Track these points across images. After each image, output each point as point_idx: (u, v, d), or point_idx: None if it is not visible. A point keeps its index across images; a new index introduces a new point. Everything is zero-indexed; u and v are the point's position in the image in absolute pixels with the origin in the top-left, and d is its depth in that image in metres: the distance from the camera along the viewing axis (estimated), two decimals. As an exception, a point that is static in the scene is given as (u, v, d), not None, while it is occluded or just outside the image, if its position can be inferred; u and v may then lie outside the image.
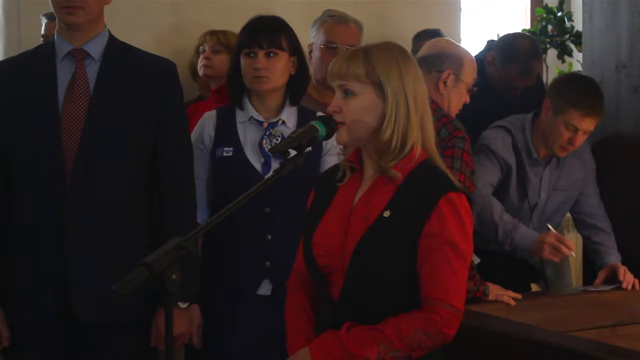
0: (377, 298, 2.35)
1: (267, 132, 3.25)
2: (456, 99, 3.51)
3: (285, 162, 2.31)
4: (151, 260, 2.02)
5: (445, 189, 2.34)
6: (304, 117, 3.29)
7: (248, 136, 3.27)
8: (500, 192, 3.79)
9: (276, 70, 3.22)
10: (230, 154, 3.24)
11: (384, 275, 2.34)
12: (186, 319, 3.04)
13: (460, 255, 2.32)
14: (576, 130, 3.65)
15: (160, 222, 3.04)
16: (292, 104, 3.31)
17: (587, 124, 3.66)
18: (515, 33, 4.69)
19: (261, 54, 3.21)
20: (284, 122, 3.27)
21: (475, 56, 4.47)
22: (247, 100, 3.29)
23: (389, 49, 2.42)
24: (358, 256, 2.34)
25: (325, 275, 2.41)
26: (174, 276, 2.03)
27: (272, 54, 3.22)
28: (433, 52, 3.52)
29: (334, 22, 4.06)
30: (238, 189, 3.09)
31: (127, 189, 2.99)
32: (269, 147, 3.22)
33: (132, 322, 3.00)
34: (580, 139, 3.67)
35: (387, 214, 2.35)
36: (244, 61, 3.24)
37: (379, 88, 2.37)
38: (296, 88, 3.31)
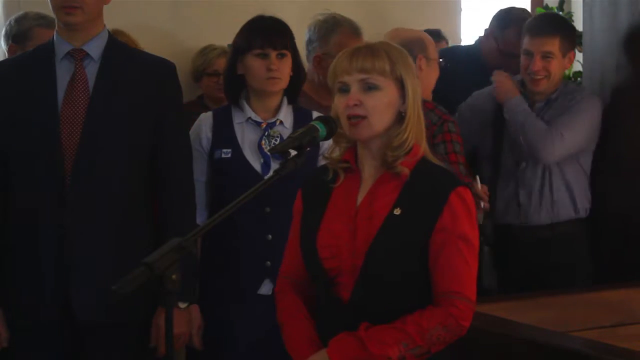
0: (391, 296, 2.35)
1: (266, 133, 3.25)
2: (433, 78, 3.68)
3: (285, 162, 2.31)
4: (151, 260, 2.02)
5: (454, 184, 2.37)
6: (300, 116, 3.30)
7: (246, 137, 3.26)
8: (476, 137, 3.93)
9: (286, 71, 3.24)
10: (229, 155, 3.24)
11: (398, 272, 2.34)
12: (186, 319, 3.04)
13: (471, 248, 2.35)
14: (530, 53, 3.78)
15: (160, 222, 3.05)
16: (290, 103, 3.32)
17: (537, 45, 3.76)
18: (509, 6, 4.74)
19: (274, 54, 3.21)
20: (281, 122, 3.28)
21: (467, 51, 4.52)
22: (244, 101, 3.29)
23: (399, 48, 2.46)
24: (372, 255, 2.34)
25: (332, 277, 2.41)
26: (174, 276, 2.03)
27: (282, 55, 3.23)
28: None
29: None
30: (237, 190, 3.08)
31: (127, 189, 2.99)
32: (268, 147, 3.22)
33: (132, 322, 3.00)
34: (539, 62, 3.74)
35: (397, 211, 2.36)
36: (254, 62, 3.22)
37: (400, 85, 2.39)
38: (294, 87, 3.32)
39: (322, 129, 2.40)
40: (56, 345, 2.99)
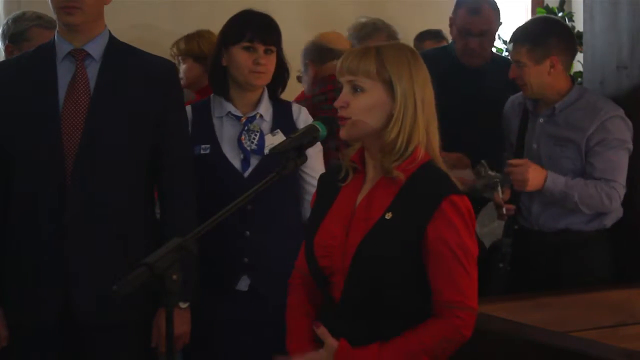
0: (378, 299, 2.35)
1: (245, 127, 3.25)
2: None
3: (285, 162, 2.32)
4: (152, 260, 2.02)
5: (447, 191, 2.35)
6: (279, 109, 3.32)
7: (225, 132, 3.27)
8: (511, 146, 3.92)
9: (271, 67, 3.25)
10: (208, 151, 3.24)
11: (385, 277, 2.33)
12: (187, 318, 3.04)
13: (470, 257, 2.35)
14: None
15: (161, 222, 3.05)
16: (271, 98, 3.32)
17: (511, 53, 3.78)
18: None
19: (262, 49, 3.22)
20: (261, 116, 3.28)
21: (433, 51, 4.50)
22: (224, 95, 3.29)
23: (401, 50, 2.44)
24: (359, 258, 2.34)
25: (327, 276, 2.41)
26: (174, 276, 2.03)
27: (269, 51, 3.24)
28: None
29: None
30: (217, 186, 3.11)
31: (128, 188, 2.99)
32: (248, 142, 3.23)
33: (132, 322, 3.00)
34: (514, 69, 3.74)
35: (388, 215, 2.35)
36: (241, 54, 3.22)
37: (389, 87, 2.37)
38: (277, 83, 3.33)
39: (322, 129, 2.41)
40: (56, 346, 2.99)
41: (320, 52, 4.14)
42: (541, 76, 3.72)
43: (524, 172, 3.60)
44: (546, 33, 3.76)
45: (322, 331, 2.36)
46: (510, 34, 3.86)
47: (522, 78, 3.73)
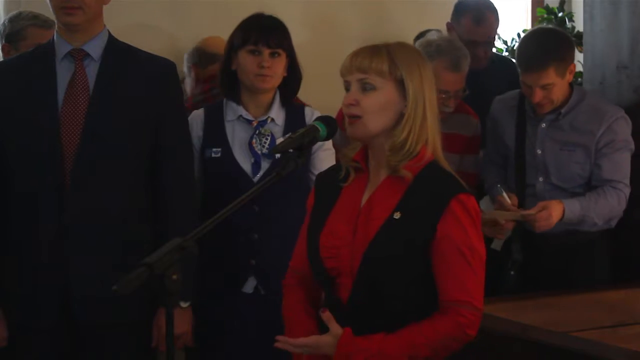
0: (388, 300, 2.35)
1: (257, 131, 3.26)
2: None
3: (286, 162, 2.31)
4: (152, 260, 2.02)
5: (456, 190, 2.35)
6: (292, 112, 3.31)
7: (236, 136, 3.27)
8: (504, 149, 3.88)
9: (278, 70, 3.24)
10: (219, 155, 3.25)
11: (395, 277, 2.33)
12: (187, 318, 3.04)
13: (477, 256, 2.34)
14: (528, 85, 3.67)
15: (161, 221, 3.04)
16: (284, 102, 3.31)
17: (532, 79, 3.64)
18: None
19: (267, 52, 3.22)
20: (273, 120, 3.28)
21: None
22: (236, 99, 3.29)
23: (410, 49, 2.45)
24: (369, 259, 2.34)
25: (333, 277, 2.41)
26: (174, 276, 2.03)
27: (276, 54, 3.23)
28: None
29: None
30: (227, 189, 3.11)
31: (127, 188, 2.99)
32: (259, 146, 3.23)
33: (132, 322, 3.00)
34: (539, 93, 3.63)
35: (397, 215, 2.35)
36: (246, 58, 3.23)
37: (400, 86, 2.37)
38: (289, 89, 3.32)
39: (322, 129, 2.41)
40: (56, 345, 2.99)
41: (202, 56, 4.29)
42: (564, 87, 3.69)
43: (548, 217, 3.57)
44: (560, 46, 3.69)
45: (327, 316, 2.34)
46: (519, 63, 3.72)
47: (548, 97, 3.66)
